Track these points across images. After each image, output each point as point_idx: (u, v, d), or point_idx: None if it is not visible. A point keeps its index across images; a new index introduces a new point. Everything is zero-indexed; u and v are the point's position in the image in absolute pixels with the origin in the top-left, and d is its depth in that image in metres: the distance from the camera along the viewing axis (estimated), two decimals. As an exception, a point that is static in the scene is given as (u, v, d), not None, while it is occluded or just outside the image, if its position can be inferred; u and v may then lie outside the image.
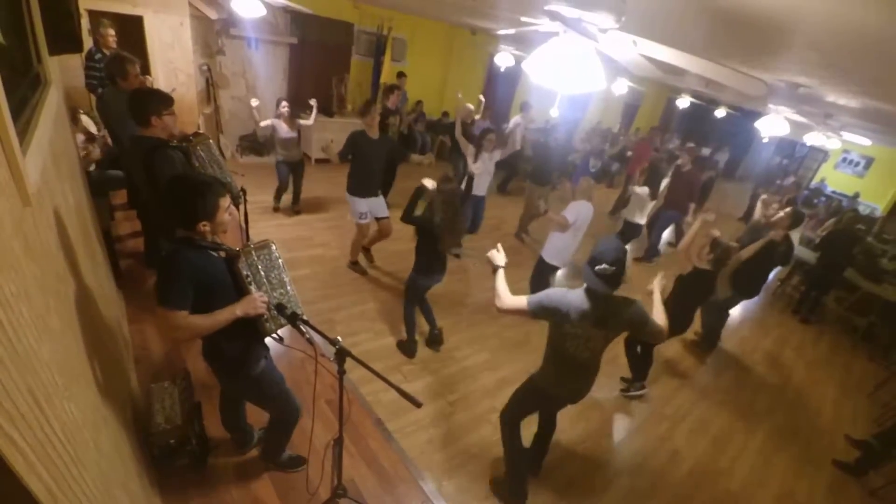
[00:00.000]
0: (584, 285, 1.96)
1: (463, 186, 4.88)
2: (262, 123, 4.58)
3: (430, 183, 2.95)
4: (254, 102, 4.52)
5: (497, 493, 2.48)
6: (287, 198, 5.25)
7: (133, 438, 1.84)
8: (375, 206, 4.06)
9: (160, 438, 2.01)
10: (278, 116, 4.68)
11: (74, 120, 3.57)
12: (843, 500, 3.10)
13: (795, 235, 4.72)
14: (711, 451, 3.21)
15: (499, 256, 2.20)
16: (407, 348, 3.39)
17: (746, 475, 3.08)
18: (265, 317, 1.70)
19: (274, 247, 1.82)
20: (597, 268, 1.85)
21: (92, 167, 3.47)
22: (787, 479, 3.13)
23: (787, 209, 3.85)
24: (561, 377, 2.17)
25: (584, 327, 1.94)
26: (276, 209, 5.21)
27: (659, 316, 2.10)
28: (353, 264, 4.37)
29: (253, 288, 1.68)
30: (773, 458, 3.29)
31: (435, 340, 3.48)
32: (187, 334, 1.53)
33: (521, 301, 1.99)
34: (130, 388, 2.29)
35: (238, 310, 1.59)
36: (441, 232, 2.91)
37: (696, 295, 3.35)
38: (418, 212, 3.00)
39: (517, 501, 2.41)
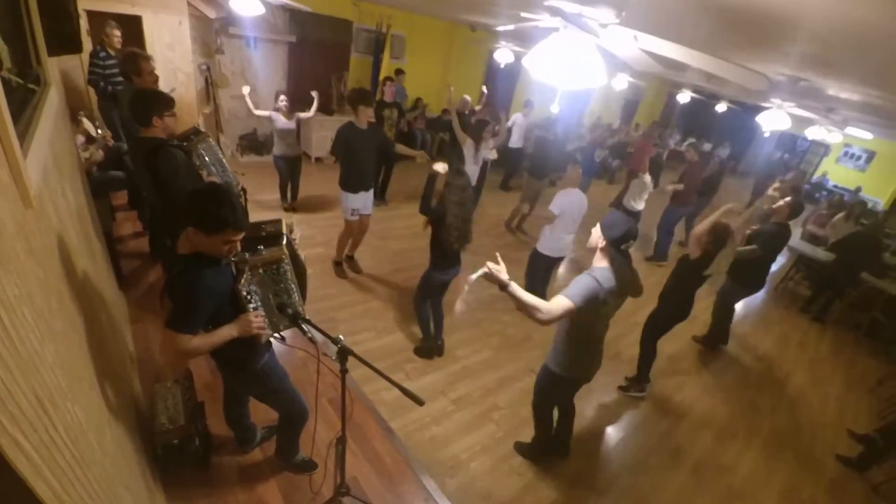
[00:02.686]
0: (602, 265, 2.03)
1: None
2: (257, 112, 4.58)
3: (441, 167, 2.80)
4: (245, 90, 4.57)
5: (520, 451, 2.76)
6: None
7: (137, 439, 1.84)
8: (364, 201, 3.93)
9: (164, 438, 2.02)
10: (276, 110, 4.66)
11: (75, 121, 3.57)
12: (846, 496, 3.10)
13: (796, 230, 4.69)
14: (714, 447, 3.21)
15: (500, 270, 1.83)
16: (425, 351, 3.38)
17: (749, 472, 3.08)
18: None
19: (286, 260, 1.76)
20: (622, 246, 1.97)
21: (94, 169, 3.46)
22: (790, 476, 3.13)
23: (787, 199, 3.81)
24: (590, 360, 2.27)
25: (611, 304, 2.04)
26: (286, 208, 5.21)
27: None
28: (337, 265, 4.23)
29: (252, 306, 1.65)
30: (775, 454, 3.29)
31: (436, 350, 3.44)
32: (189, 356, 1.55)
33: (564, 302, 1.87)
34: (134, 389, 2.30)
35: (234, 331, 1.59)
36: (452, 227, 2.83)
37: (694, 276, 3.26)
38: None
39: (537, 458, 2.74)
